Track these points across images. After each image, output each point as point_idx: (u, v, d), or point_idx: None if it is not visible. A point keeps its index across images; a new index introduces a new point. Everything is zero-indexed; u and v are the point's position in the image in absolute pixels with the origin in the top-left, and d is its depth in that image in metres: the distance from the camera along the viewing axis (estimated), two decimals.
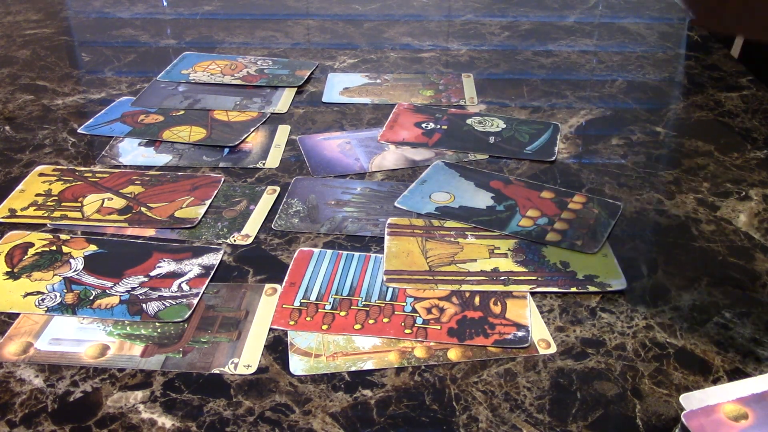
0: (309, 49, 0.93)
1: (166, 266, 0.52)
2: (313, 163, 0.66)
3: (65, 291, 0.50)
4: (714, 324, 0.48)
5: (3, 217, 0.58)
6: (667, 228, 0.58)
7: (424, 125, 0.73)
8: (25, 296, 0.49)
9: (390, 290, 0.50)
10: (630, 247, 0.55)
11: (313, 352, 0.45)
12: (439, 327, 0.47)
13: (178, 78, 0.83)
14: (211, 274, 0.52)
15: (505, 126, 0.73)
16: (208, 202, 0.60)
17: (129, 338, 0.46)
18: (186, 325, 0.47)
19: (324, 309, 0.49)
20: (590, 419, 0.41)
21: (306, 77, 0.83)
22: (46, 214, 0.58)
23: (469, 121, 0.74)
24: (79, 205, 0.59)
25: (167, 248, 0.54)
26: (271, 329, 0.47)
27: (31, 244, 0.54)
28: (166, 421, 0.40)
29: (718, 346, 0.46)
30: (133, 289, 0.50)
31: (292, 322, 0.47)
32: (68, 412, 0.41)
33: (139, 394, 0.42)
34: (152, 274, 0.52)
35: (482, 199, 0.60)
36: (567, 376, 0.44)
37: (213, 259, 0.53)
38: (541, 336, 0.47)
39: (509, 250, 0.54)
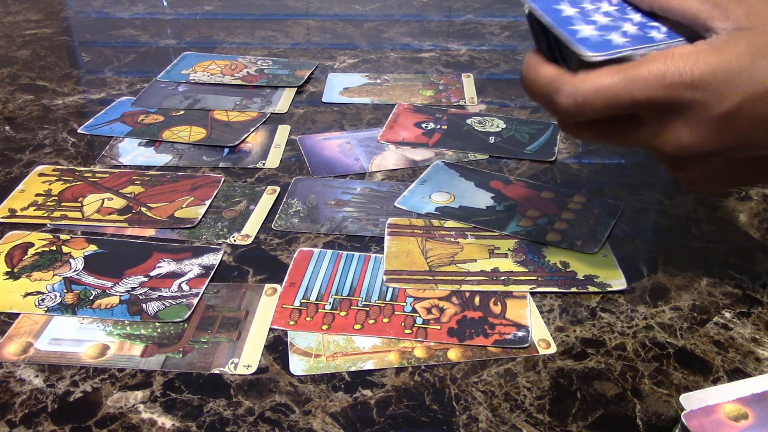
0: (309, 49, 0.93)
1: (166, 266, 0.52)
2: (313, 163, 0.66)
3: (65, 291, 0.50)
4: (714, 324, 0.48)
5: (3, 217, 0.58)
6: (667, 228, 0.58)
7: (424, 125, 0.73)
8: (25, 296, 0.49)
9: (390, 290, 0.50)
10: (630, 247, 0.55)
11: (313, 352, 0.45)
12: (439, 327, 0.47)
13: (178, 78, 0.83)
14: (211, 274, 0.52)
15: (505, 126, 0.73)
16: (208, 202, 0.60)
17: (129, 338, 0.46)
18: (186, 325, 0.47)
19: (324, 309, 0.49)
20: (590, 419, 0.41)
21: (306, 77, 0.83)
22: (46, 214, 0.58)
23: (469, 121, 0.74)
24: (79, 205, 0.59)
25: (167, 248, 0.54)
26: (271, 329, 0.47)
27: (31, 244, 0.54)
28: (166, 421, 0.40)
29: (718, 346, 0.46)
30: (133, 289, 0.50)
31: (292, 322, 0.47)
32: (68, 412, 0.41)
33: (139, 394, 0.42)
34: (152, 274, 0.52)
35: (482, 199, 0.60)
36: (567, 376, 0.44)
37: (213, 259, 0.53)
38: (541, 336, 0.47)
39: (509, 250, 0.54)
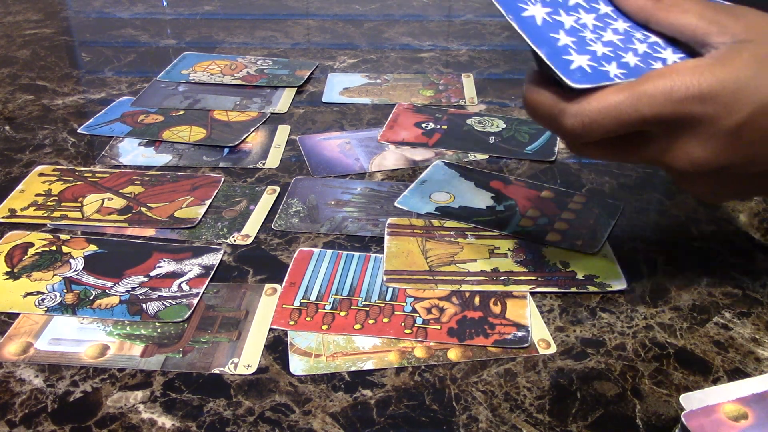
0: (309, 49, 0.93)
1: (166, 266, 0.52)
2: (313, 163, 0.66)
3: (65, 291, 0.50)
4: (714, 324, 0.48)
5: (3, 217, 0.58)
6: (667, 228, 0.58)
7: (424, 125, 0.73)
8: (25, 296, 0.49)
9: (390, 290, 0.50)
10: (630, 247, 0.55)
11: (313, 352, 0.45)
12: (439, 327, 0.47)
13: (178, 78, 0.83)
14: (211, 274, 0.52)
15: (505, 126, 0.73)
16: (208, 202, 0.60)
17: (129, 338, 0.46)
18: (186, 325, 0.47)
19: (324, 309, 0.49)
20: (590, 419, 0.41)
21: (306, 77, 0.83)
22: (46, 214, 0.58)
23: (469, 121, 0.74)
24: (79, 205, 0.59)
25: (167, 248, 0.54)
26: (271, 329, 0.47)
27: (31, 244, 0.54)
28: (166, 421, 0.40)
29: (718, 346, 0.46)
30: (133, 289, 0.50)
31: (292, 322, 0.47)
32: (68, 412, 0.41)
33: (139, 394, 0.42)
34: (152, 274, 0.52)
35: (482, 199, 0.60)
36: (567, 376, 0.44)
37: (213, 259, 0.53)
38: (541, 336, 0.47)
39: (509, 250, 0.54)
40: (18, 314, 0.48)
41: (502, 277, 0.51)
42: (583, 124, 0.38)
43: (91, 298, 0.49)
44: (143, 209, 0.59)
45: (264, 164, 0.66)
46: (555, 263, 0.53)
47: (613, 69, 0.39)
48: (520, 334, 0.47)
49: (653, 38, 0.42)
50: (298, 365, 0.44)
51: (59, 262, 0.53)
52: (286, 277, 0.52)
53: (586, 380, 0.43)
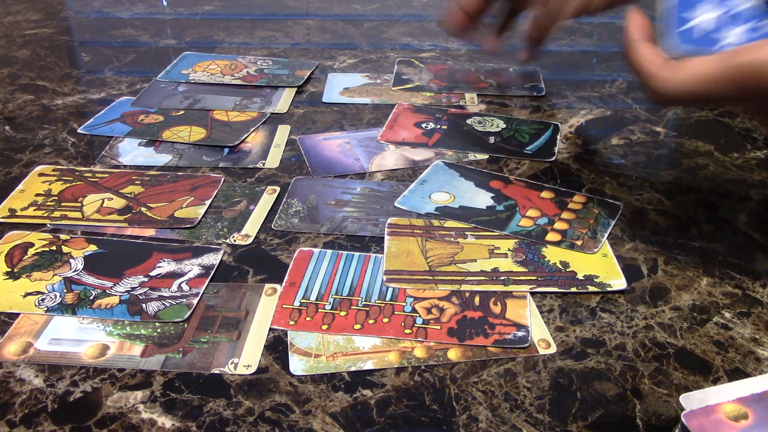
0: (309, 49, 0.93)
1: (166, 266, 0.52)
2: (313, 163, 0.66)
3: (65, 291, 0.50)
4: (714, 324, 0.48)
5: (3, 217, 0.58)
6: (667, 228, 0.58)
7: (424, 125, 0.73)
8: (25, 296, 0.49)
9: (390, 290, 0.50)
10: (630, 247, 0.55)
11: (313, 352, 0.45)
12: (439, 327, 0.47)
13: (178, 78, 0.83)
14: (211, 274, 0.52)
15: (505, 126, 0.73)
16: (208, 202, 0.60)
17: (129, 338, 0.46)
18: (186, 325, 0.47)
19: (324, 309, 0.49)
20: (590, 419, 0.41)
21: (306, 77, 0.83)
22: (46, 214, 0.58)
23: (469, 121, 0.74)
24: (79, 205, 0.59)
25: (167, 248, 0.54)
26: (271, 329, 0.47)
27: (31, 244, 0.54)
28: (166, 421, 0.40)
29: (718, 346, 0.46)
30: (133, 289, 0.50)
31: (292, 322, 0.47)
32: (68, 412, 0.41)
33: (139, 394, 0.42)
34: (152, 274, 0.52)
35: (482, 199, 0.60)
36: (567, 376, 0.44)
37: (213, 259, 0.53)
38: (541, 336, 0.47)
39: (509, 250, 0.54)
40: (18, 314, 0.48)
41: (502, 277, 0.51)
42: (667, 94, 0.41)
43: (91, 298, 0.49)
44: (143, 209, 0.59)
45: (264, 164, 0.66)
46: (555, 263, 0.53)
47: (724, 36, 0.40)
48: (520, 334, 0.47)
49: None
50: (298, 365, 0.44)
51: (59, 262, 0.53)
52: (286, 277, 0.52)
53: (586, 380, 0.43)
